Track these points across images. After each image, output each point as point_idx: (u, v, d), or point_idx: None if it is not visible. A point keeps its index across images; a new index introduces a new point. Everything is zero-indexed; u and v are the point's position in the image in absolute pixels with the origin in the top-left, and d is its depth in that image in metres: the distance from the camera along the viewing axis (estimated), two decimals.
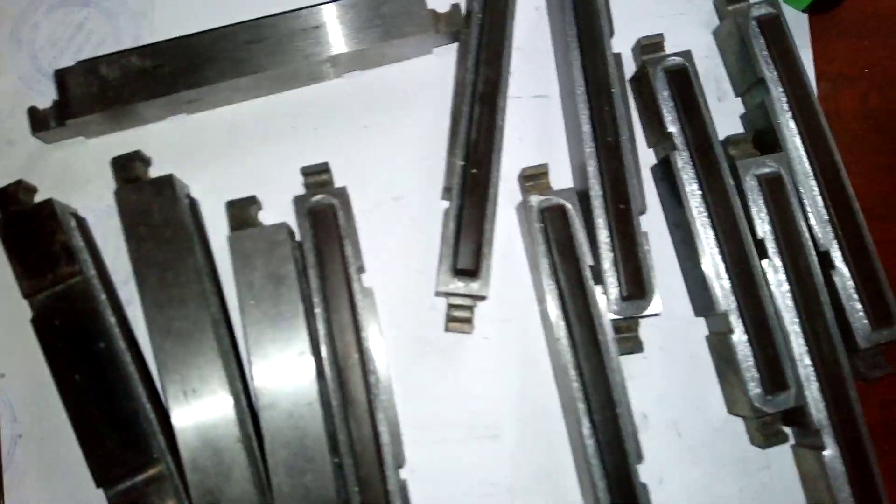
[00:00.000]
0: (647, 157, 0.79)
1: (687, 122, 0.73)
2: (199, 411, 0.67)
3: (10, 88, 0.79)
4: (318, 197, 0.71)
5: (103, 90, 0.73)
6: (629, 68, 0.80)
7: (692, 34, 0.82)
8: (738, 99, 0.80)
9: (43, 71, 0.79)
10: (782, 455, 0.74)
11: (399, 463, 0.68)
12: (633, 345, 0.72)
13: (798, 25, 0.82)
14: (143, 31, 0.80)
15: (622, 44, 0.80)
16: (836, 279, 0.71)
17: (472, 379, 0.75)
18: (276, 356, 0.68)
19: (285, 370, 0.67)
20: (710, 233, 0.71)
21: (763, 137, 0.76)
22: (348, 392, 0.67)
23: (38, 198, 0.73)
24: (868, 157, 0.80)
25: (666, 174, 0.75)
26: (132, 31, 0.80)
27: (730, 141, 0.76)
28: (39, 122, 0.73)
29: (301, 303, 0.68)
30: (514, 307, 0.76)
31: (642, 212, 0.73)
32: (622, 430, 0.67)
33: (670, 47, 0.79)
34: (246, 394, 0.70)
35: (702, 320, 0.76)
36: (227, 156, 0.78)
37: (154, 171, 0.75)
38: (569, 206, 0.71)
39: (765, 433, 0.71)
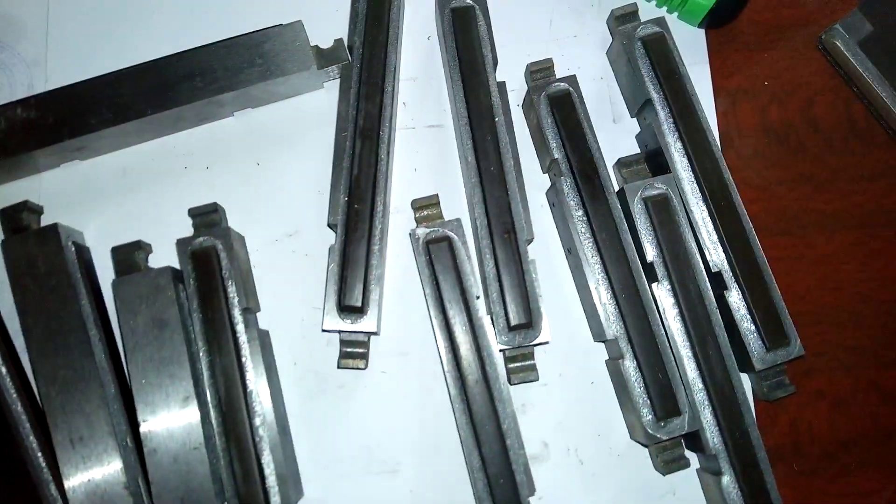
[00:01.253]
0: (545, 182, 0.78)
1: (570, 147, 0.73)
2: (87, 461, 0.66)
3: None
4: (201, 239, 0.71)
5: None
6: (523, 93, 0.79)
7: (587, 56, 0.82)
8: (633, 120, 0.79)
9: None
10: (688, 480, 0.72)
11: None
12: (527, 373, 0.71)
13: (695, 42, 0.82)
14: (36, 80, 0.80)
15: (517, 68, 0.79)
16: (730, 300, 0.70)
17: (370, 414, 0.74)
18: (160, 401, 0.67)
19: (170, 415, 0.67)
20: (597, 258, 0.71)
21: (654, 158, 0.75)
22: (233, 435, 0.67)
23: None
24: (769, 171, 0.79)
25: (556, 199, 0.74)
26: (26, 80, 0.80)
27: (622, 163, 0.75)
28: None
29: (185, 346, 0.68)
30: (411, 340, 0.75)
31: (530, 240, 0.72)
32: (512, 463, 0.67)
33: (565, 70, 0.79)
34: (137, 441, 0.70)
35: (602, 346, 0.75)
36: (121, 200, 0.78)
37: (49, 219, 0.75)
38: (454, 237, 0.71)
39: (664, 459, 0.70)
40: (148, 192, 0.78)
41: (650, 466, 0.73)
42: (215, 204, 0.73)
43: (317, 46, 0.76)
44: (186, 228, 0.74)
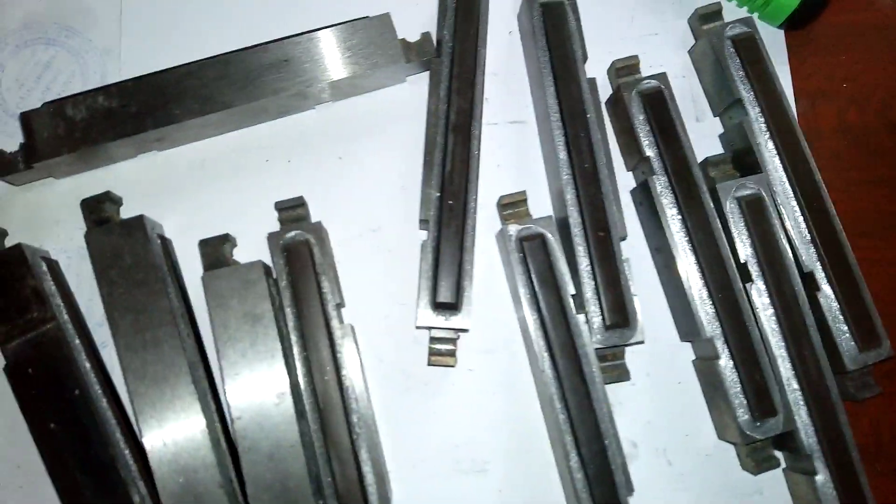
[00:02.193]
0: (627, 181, 0.78)
1: (664, 145, 0.72)
2: (179, 456, 0.65)
3: None
4: (293, 233, 0.70)
5: (70, 131, 0.71)
6: (605, 90, 0.79)
7: (667, 54, 0.81)
8: (717, 119, 0.79)
9: (10, 112, 0.78)
10: (774, 480, 0.73)
11: (383, 502, 0.66)
12: (619, 373, 0.71)
13: (775, 42, 0.82)
14: (109, 68, 0.79)
15: (597, 66, 0.79)
16: (822, 300, 0.70)
17: (457, 412, 0.73)
18: (255, 397, 0.66)
19: (265, 412, 0.66)
20: (692, 257, 0.70)
21: (742, 157, 0.75)
22: (330, 433, 0.66)
23: (8, 241, 0.72)
24: (848, 173, 0.80)
25: (645, 198, 0.74)
26: (99, 68, 0.79)
27: (709, 162, 0.75)
28: (6, 165, 0.72)
29: (279, 342, 0.67)
30: (498, 337, 0.75)
31: (623, 238, 0.72)
32: (611, 463, 0.66)
33: (646, 68, 0.78)
34: (227, 437, 0.69)
35: (688, 345, 0.75)
36: (200, 192, 0.76)
37: (125, 210, 0.74)
38: (548, 235, 0.70)
39: (755, 459, 0.70)
40: (228, 184, 0.77)
41: (737, 466, 0.73)
42: (302, 198, 0.72)
43: (404, 39, 0.75)
44: (267, 222, 0.73)
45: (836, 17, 0.83)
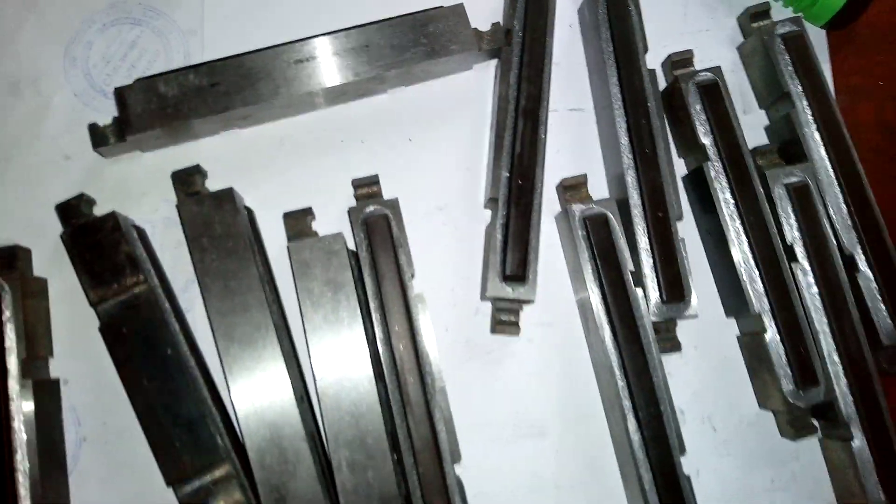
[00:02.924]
0: (679, 168, 0.83)
1: (719, 134, 0.78)
2: (265, 412, 0.70)
3: (66, 105, 0.81)
4: (372, 208, 0.75)
5: (162, 107, 0.76)
6: (660, 83, 0.84)
7: (717, 50, 0.86)
8: (762, 111, 0.85)
9: (97, 88, 0.82)
10: (810, 447, 0.78)
11: (455, 459, 0.71)
12: (671, 345, 0.76)
13: (818, 42, 0.87)
14: (192, 48, 0.83)
15: (652, 59, 0.84)
16: (861, 281, 0.76)
17: (517, 380, 0.78)
18: (337, 359, 0.71)
19: (346, 372, 0.71)
20: (743, 238, 0.76)
21: (788, 148, 0.80)
22: (406, 393, 0.71)
23: (96, 211, 0.76)
24: (885, 166, 0.85)
25: (699, 183, 0.79)
26: (182, 48, 0.83)
27: (757, 151, 0.80)
28: (100, 137, 0.76)
29: (358, 309, 0.72)
30: (556, 312, 0.80)
31: (679, 218, 0.77)
32: (666, 426, 0.71)
33: (697, 62, 0.83)
34: (307, 396, 0.74)
35: (732, 321, 0.80)
36: (279, 169, 0.81)
37: (208, 185, 0.78)
38: (610, 214, 0.75)
39: (796, 426, 0.75)
40: (305, 162, 0.81)
41: (776, 434, 0.78)
42: (377, 175, 0.77)
43: (476, 28, 0.80)
44: (342, 199, 0.78)
45: (877, 17, 0.88)
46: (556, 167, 0.82)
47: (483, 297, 0.76)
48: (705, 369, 0.80)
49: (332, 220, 0.78)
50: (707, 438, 0.78)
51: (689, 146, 0.80)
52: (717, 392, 0.79)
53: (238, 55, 0.77)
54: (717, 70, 0.80)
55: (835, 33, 0.88)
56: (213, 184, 0.76)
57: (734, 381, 0.79)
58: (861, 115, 0.86)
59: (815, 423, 0.77)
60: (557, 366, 0.79)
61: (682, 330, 0.78)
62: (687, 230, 0.82)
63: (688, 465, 0.75)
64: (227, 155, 0.81)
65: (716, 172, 0.77)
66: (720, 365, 0.80)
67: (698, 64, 0.83)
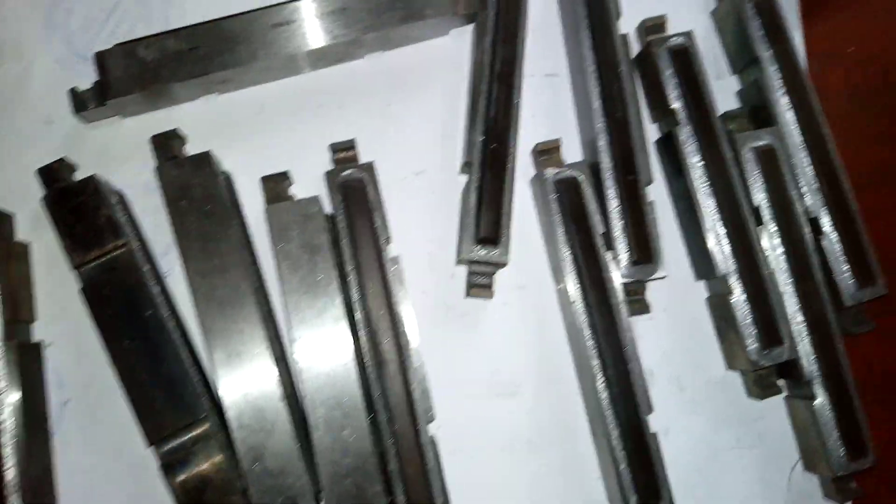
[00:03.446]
0: (652, 132, 0.84)
1: (689, 99, 0.79)
2: (244, 372, 0.72)
3: (46, 70, 0.82)
4: (348, 171, 0.76)
5: (142, 71, 0.77)
6: (633, 48, 0.85)
7: (690, 15, 0.87)
8: (734, 77, 0.86)
9: (78, 53, 0.82)
10: (776, 406, 0.80)
11: (429, 418, 0.73)
12: (640, 307, 0.78)
13: (789, 7, 0.88)
14: (172, 13, 0.84)
15: (626, 25, 0.85)
16: (825, 243, 0.78)
17: (492, 341, 0.80)
18: (313, 321, 0.73)
19: (322, 334, 0.72)
20: (711, 202, 0.77)
21: (758, 113, 0.82)
22: (381, 353, 0.73)
23: (77, 175, 0.77)
24: (853, 130, 0.86)
25: (669, 148, 0.80)
26: (163, 13, 0.84)
27: (727, 116, 0.82)
28: (81, 102, 0.77)
29: (335, 270, 0.73)
30: (529, 274, 0.81)
31: (649, 182, 0.79)
32: (633, 384, 0.74)
33: (669, 28, 0.84)
34: (283, 356, 0.75)
35: (701, 284, 0.82)
36: (257, 133, 0.82)
37: (188, 149, 0.79)
38: (581, 177, 0.77)
39: (761, 386, 0.77)
40: (283, 127, 0.82)
41: (743, 394, 0.81)
42: (354, 140, 0.78)
43: None
44: (320, 163, 0.79)
45: None
46: (531, 131, 0.83)
47: (458, 259, 0.78)
48: (675, 331, 0.82)
49: (310, 184, 0.79)
50: (675, 398, 0.81)
51: (661, 111, 0.81)
52: (686, 353, 0.81)
53: (217, 19, 0.78)
54: (688, 35, 0.81)
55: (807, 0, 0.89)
56: (194, 148, 0.78)
57: (703, 343, 0.81)
58: (831, 80, 0.87)
59: (781, 383, 0.79)
60: (531, 327, 0.81)
61: (653, 293, 0.80)
62: (660, 194, 0.83)
63: (656, 423, 0.78)
64: (206, 120, 0.82)
65: (685, 137, 0.78)
66: (689, 327, 0.82)
67: (672, 29, 0.84)
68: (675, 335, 0.82)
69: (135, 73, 0.76)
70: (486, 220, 0.76)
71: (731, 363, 0.80)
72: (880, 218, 0.84)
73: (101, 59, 0.76)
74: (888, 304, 0.82)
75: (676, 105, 0.79)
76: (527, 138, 0.81)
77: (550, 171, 0.77)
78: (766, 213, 0.78)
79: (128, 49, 0.77)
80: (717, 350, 0.81)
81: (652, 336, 0.81)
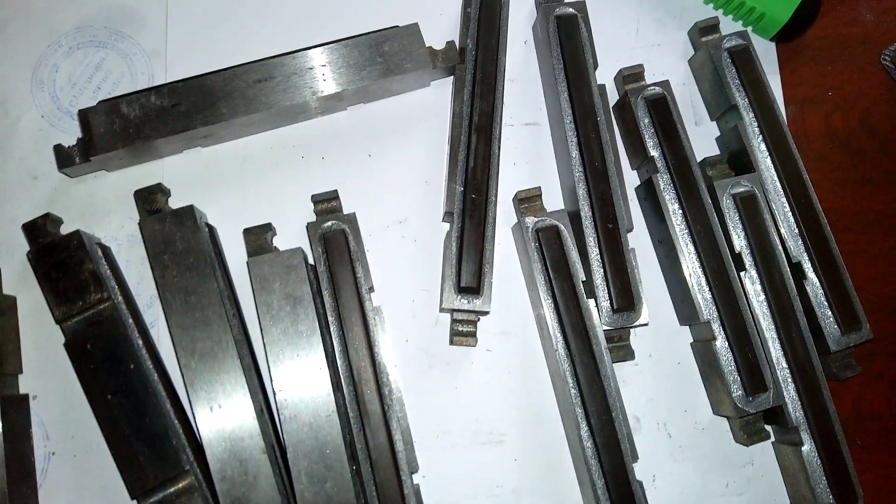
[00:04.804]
0: (631, 179, 0.85)
1: (667, 146, 0.80)
2: (226, 425, 0.71)
3: (33, 126, 0.83)
4: (330, 223, 0.76)
5: (125, 128, 0.78)
6: (612, 96, 0.86)
7: (669, 63, 0.89)
8: (714, 123, 0.87)
9: (64, 109, 0.84)
10: (764, 452, 0.80)
11: (413, 469, 0.73)
12: (624, 353, 0.78)
13: (767, 53, 0.89)
14: (156, 69, 0.85)
15: (605, 74, 0.86)
16: (808, 288, 0.78)
17: (476, 389, 0.80)
18: (295, 372, 0.73)
19: (304, 384, 0.72)
20: (692, 248, 0.78)
21: (737, 158, 0.82)
22: (364, 404, 0.72)
23: (63, 229, 0.78)
24: (833, 173, 0.87)
25: (649, 194, 0.81)
26: (146, 70, 0.85)
27: (707, 162, 0.82)
28: (65, 158, 0.78)
29: (317, 321, 0.74)
30: (513, 321, 0.81)
31: (629, 230, 0.79)
32: (618, 432, 0.73)
33: (649, 76, 0.85)
34: (267, 408, 0.75)
35: (686, 329, 0.82)
36: (241, 185, 0.83)
37: (171, 202, 0.80)
38: (562, 226, 0.77)
39: (748, 432, 0.77)
40: (267, 179, 0.83)
41: (730, 440, 0.80)
42: (336, 191, 0.79)
43: (431, 47, 0.82)
44: (303, 214, 0.80)
45: (824, 31, 0.90)
46: (513, 180, 0.84)
47: (440, 308, 0.78)
48: (660, 377, 0.81)
49: (293, 235, 0.80)
50: (663, 444, 0.80)
51: (640, 158, 0.82)
52: (672, 399, 0.81)
53: (198, 76, 0.79)
54: (665, 84, 0.82)
55: (784, 45, 0.90)
56: (177, 201, 0.78)
57: (689, 388, 0.81)
58: (809, 124, 0.88)
59: (769, 428, 0.79)
60: (515, 374, 0.81)
61: (637, 339, 0.81)
62: (641, 241, 0.84)
63: (644, 470, 0.78)
64: (190, 173, 0.83)
65: (664, 184, 0.79)
66: (675, 372, 0.81)
67: (651, 77, 0.85)
68: (660, 381, 0.81)
69: (117, 129, 0.77)
70: (467, 269, 0.76)
71: (717, 409, 0.80)
72: (864, 260, 0.85)
73: (85, 116, 0.77)
74: (876, 346, 0.82)
75: (654, 153, 0.80)
76: (509, 186, 0.83)
77: (531, 220, 0.78)
78: (748, 259, 0.78)
79: (110, 106, 0.78)
80: (703, 395, 0.81)
81: (637, 382, 0.81)
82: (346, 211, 0.80)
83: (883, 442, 0.82)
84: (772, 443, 0.80)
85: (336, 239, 0.76)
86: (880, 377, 0.83)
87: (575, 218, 0.79)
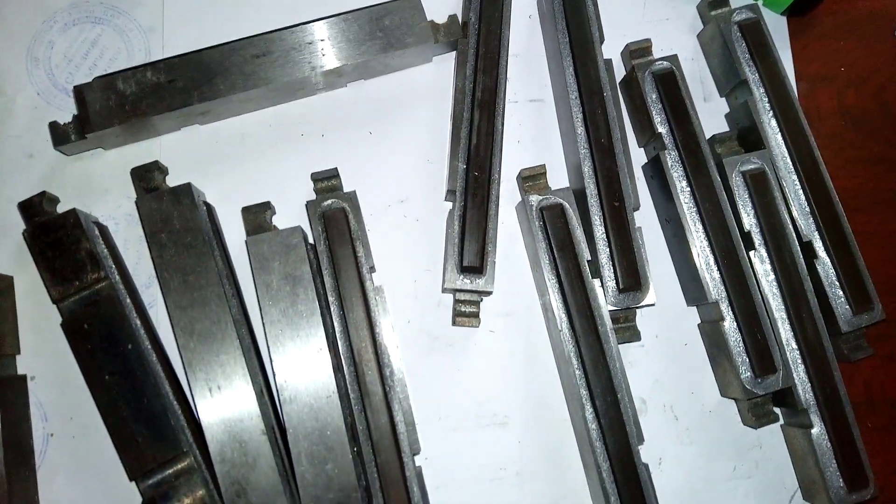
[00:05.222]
0: (638, 156, 0.83)
1: (675, 122, 0.78)
2: (225, 406, 0.70)
3: (28, 104, 0.82)
4: (330, 201, 0.75)
5: (121, 104, 0.76)
6: (619, 72, 0.84)
7: (677, 38, 0.87)
8: (723, 99, 0.85)
9: (60, 86, 0.82)
10: (773, 435, 0.79)
11: (415, 450, 0.72)
12: (630, 334, 0.76)
13: (778, 28, 0.87)
14: (153, 45, 0.83)
15: (612, 49, 0.84)
16: (819, 268, 0.76)
17: (479, 370, 0.79)
18: (295, 353, 0.71)
19: (304, 366, 0.71)
20: (700, 227, 0.76)
21: (747, 135, 0.80)
22: (365, 385, 0.71)
23: (59, 208, 0.77)
24: (845, 152, 0.85)
25: (657, 172, 0.79)
26: (143, 46, 0.83)
27: (716, 139, 0.80)
28: (60, 136, 0.77)
29: (317, 302, 0.72)
30: (516, 301, 0.80)
31: (636, 208, 0.78)
32: (623, 414, 0.72)
33: (657, 51, 0.83)
34: (267, 389, 0.74)
35: (694, 310, 0.80)
36: (240, 163, 0.81)
37: (169, 180, 0.78)
38: (566, 204, 0.76)
39: (756, 414, 0.75)
40: (266, 156, 0.82)
41: (738, 422, 0.79)
42: (336, 169, 0.77)
43: (432, 21, 0.80)
44: (303, 192, 0.78)
45: (836, 5, 0.88)
46: (517, 157, 0.82)
47: (443, 288, 0.76)
48: (667, 359, 0.80)
49: (293, 213, 0.79)
50: (669, 427, 0.79)
51: (647, 135, 0.80)
52: (679, 381, 0.80)
53: (195, 51, 0.78)
54: (673, 59, 0.80)
55: (795, 20, 0.88)
56: (175, 179, 0.77)
57: (696, 370, 0.80)
58: (821, 101, 0.86)
59: (777, 410, 0.77)
60: (519, 355, 0.79)
61: (644, 319, 0.79)
62: (648, 219, 0.82)
63: (650, 453, 0.77)
64: (188, 151, 0.81)
65: (672, 161, 0.77)
66: (682, 354, 0.80)
67: (659, 52, 0.83)
68: (667, 363, 0.80)
69: (114, 106, 0.76)
70: (470, 249, 0.75)
71: (724, 391, 0.78)
72: (876, 241, 0.83)
73: (80, 93, 0.76)
74: (889, 328, 0.81)
75: (662, 129, 0.78)
76: (513, 164, 0.81)
77: (535, 198, 0.76)
78: (757, 238, 0.76)
79: (107, 82, 0.76)
80: (710, 377, 0.79)
81: (643, 364, 0.80)
82: (346, 189, 0.78)
83: (895, 425, 0.81)
84: (780, 425, 0.78)
85: (336, 217, 0.74)
86: (892, 359, 0.82)
87: (580, 196, 0.77)
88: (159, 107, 0.77)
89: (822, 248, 0.76)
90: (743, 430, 0.79)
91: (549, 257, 0.75)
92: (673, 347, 0.80)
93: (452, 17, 0.81)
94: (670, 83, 0.79)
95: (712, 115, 0.84)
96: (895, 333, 0.82)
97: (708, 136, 0.80)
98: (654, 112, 0.79)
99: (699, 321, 0.80)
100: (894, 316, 0.81)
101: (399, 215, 0.81)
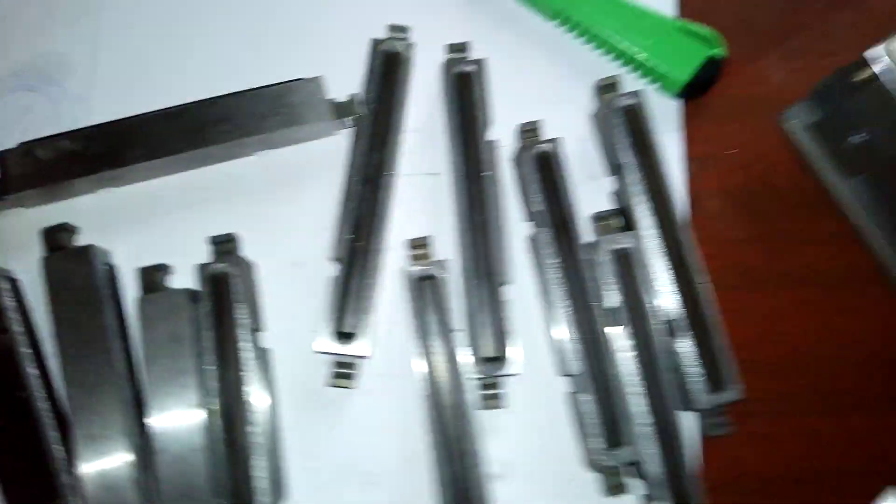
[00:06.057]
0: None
1: (550, 202, 0.82)
2: (101, 454, 0.76)
3: None
4: (216, 265, 0.81)
5: (39, 169, 0.83)
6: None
7: (576, 118, 0.90)
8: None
9: None
10: None
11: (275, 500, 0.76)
12: (495, 402, 0.80)
13: (673, 111, 0.91)
14: (80, 114, 0.90)
15: (508, 128, 0.88)
16: (679, 346, 0.79)
17: (355, 430, 0.83)
18: (170, 407, 0.77)
19: (178, 419, 0.76)
20: (565, 302, 0.79)
21: (627, 215, 0.84)
22: (231, 439, 0.76)
23: None
24: (730, 230, 0.88)
25: (534, 247, 0.83)
26: (72, 114, 0.91)
27: (596, 217, 0.84)
28: None
29: (195, 360, 0.78)
30: (396, 364, 0.84)
31: (506, 283, 0.81)
32: (477, 482, 0.75)
33: (556, 131, 0.87)
34: (143, 439, 0.79)
35: (565, 379, 0.83)
36: (146, 226, 0.87)
37: (84, 239, 0.84)
38: (439, 275, 0.80)
39: (610, 485, 0.78)
40: (173, 219, 0.88)
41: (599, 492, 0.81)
42: (232, 234, 0.83)
43: (332, 100, 0.86)
44: (204, 255, 0.84)
45: (729, 89, 0.91)
46: (413, 227, 0.86)
47: (314, 351, 0.81)
48: (535, 426, 0.83)
49: (193, 275, 0.84)
50: (532, 492, 0.82)
51: (528, 212, 0.84)
52: (546, 449, 0.82)
53: (109, 122, 0.85)
54: (556, 140, 0.84)
55: (690, 103, 0.91)
56: (90, 238, 0.83)
57: (563, 439, 0.82)
58: (710, 181, 0.89)
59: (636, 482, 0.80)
60: (394, 417, 0.83)
61: (514, 388, 0.82)
62: (532, 292, 0.85)
63: None
64: (101, 212, 0.88)
65: (544, 238, 0.81)
66: (550, 422, 0.83)
67: (556, 132, 0.87)
68: (535, 430, 0.83)
69: (31, 171, 0.83)
70: (347, 315, 0.79)
71: (584, 461, 0.81)
72: (750, 318, 0.85)
73: (2, 158, 0.83)
74: (759, 406, 0.83)
75: (539, 208, 0.82)
76: (409, 233, 0.85)
77: (413, 268, 0.81)
78: (620, 316, 0.79)
79: (27, 148, 0.84)
80: (576, 446, 0.82)
81: (512, 429, 0.83)
82: (248, 252, 0.83)
83: (761, 500, 0.82)
84: (640, 497, 0.80)
85: (220, 280, 0.80)
86: (759, 436, 0.84)
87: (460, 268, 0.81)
88: (73, 172, 0.84)
89: (683, 328, 0.79)
90: (604, 501, 0.81)
91: (420, 325, 0.79)
92: (542, 415, 0.83)
93: (350, 97, 0.86)
94: (550, 164, 0.83)
95: (602, 194, 0.87)
96: (763, 412, 0.84)
97: (586, 214, 0.84)
98: (531, 191, 0.83)
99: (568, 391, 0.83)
100: (762, 395, 0.83)
101: (294, 278, 0.86)
